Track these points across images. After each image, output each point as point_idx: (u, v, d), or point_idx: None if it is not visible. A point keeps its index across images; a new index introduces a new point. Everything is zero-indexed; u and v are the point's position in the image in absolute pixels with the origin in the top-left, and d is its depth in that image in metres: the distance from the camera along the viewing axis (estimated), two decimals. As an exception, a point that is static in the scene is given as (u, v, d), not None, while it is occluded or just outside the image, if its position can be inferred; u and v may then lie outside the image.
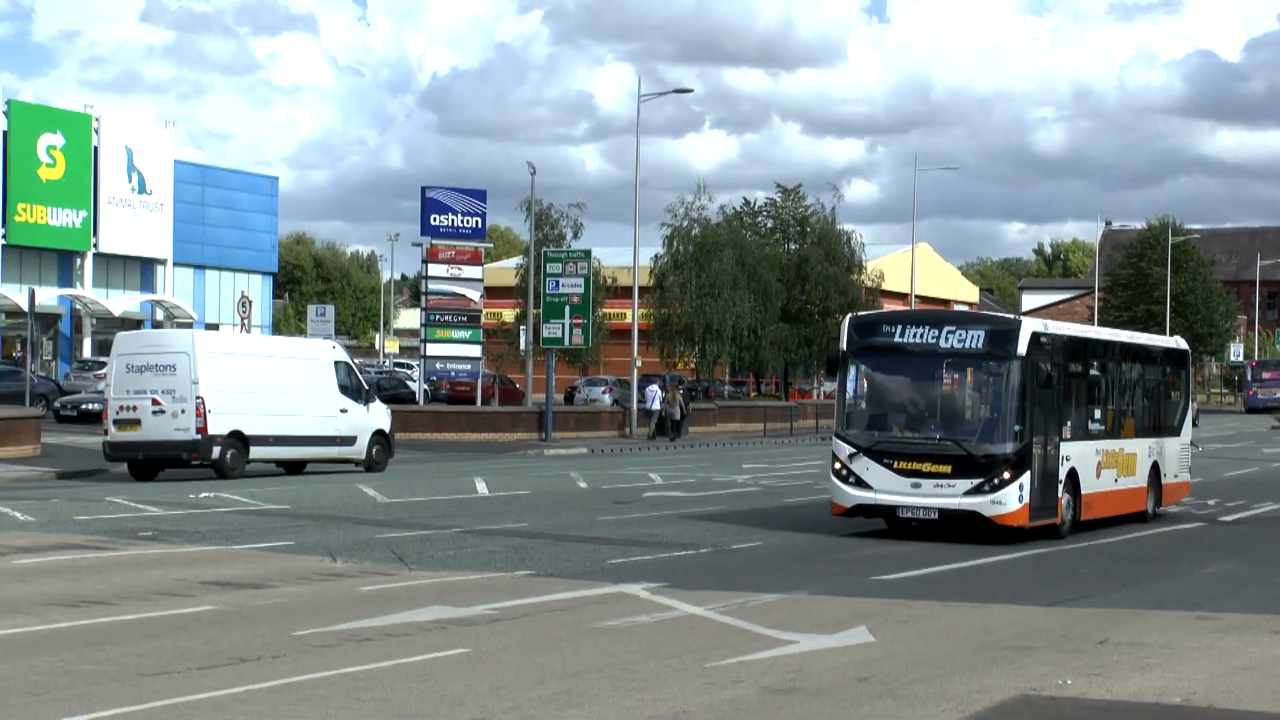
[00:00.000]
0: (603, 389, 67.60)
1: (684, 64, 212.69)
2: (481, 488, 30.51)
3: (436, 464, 39.10)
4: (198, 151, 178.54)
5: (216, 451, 32.12)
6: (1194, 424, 30.76)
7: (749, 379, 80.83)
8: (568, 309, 52.92)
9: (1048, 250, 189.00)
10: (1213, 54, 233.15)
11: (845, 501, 22.22)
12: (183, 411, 31.77)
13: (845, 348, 22.45)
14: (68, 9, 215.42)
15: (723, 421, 61.99)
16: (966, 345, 21.66)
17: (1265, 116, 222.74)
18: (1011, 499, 21.27)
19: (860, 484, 21.93)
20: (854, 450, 22.01)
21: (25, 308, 51.05)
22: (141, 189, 73.77)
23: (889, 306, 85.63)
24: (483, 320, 56.85)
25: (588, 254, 55.17)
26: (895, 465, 21.73)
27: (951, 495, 21.43)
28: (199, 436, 31.78)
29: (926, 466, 21.57)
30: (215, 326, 79.90)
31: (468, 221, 54.75)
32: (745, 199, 79.99)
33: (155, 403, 31.99)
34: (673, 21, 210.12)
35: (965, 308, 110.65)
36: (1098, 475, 23.90)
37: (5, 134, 68.44)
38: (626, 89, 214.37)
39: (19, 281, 66.92)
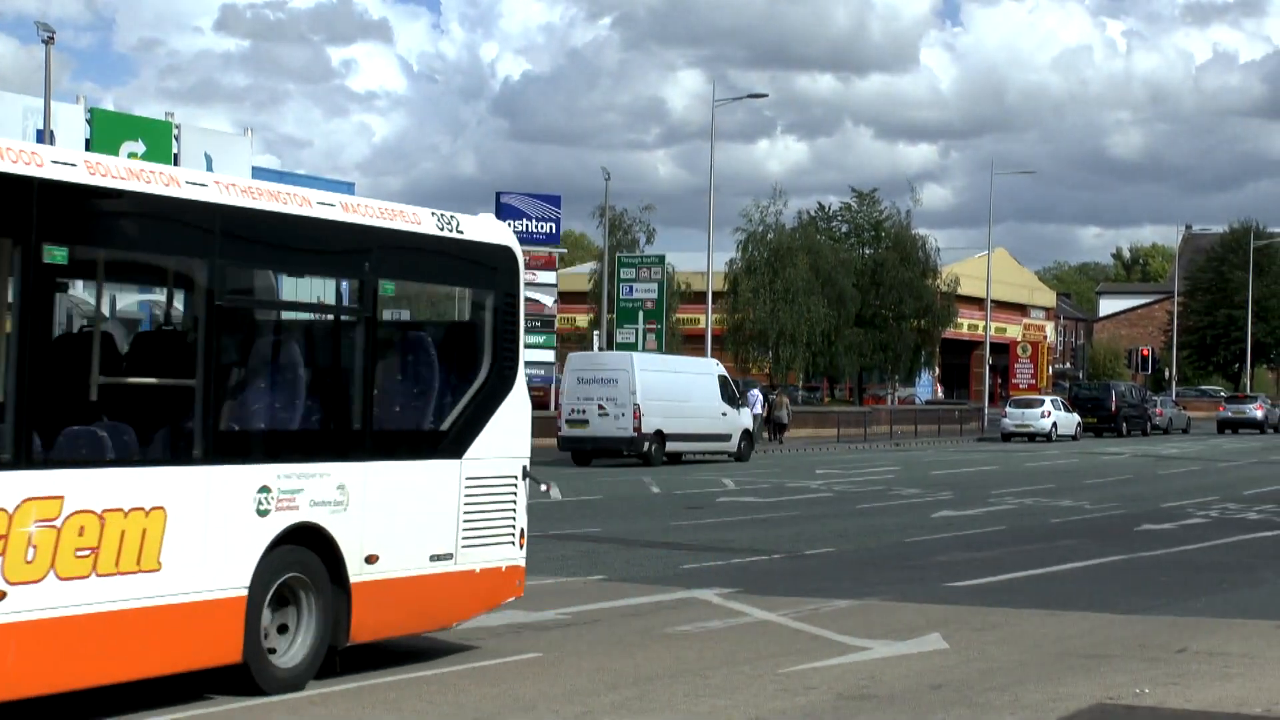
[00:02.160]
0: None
1: (755, 69, 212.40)
2: (554, 493, 30.56)
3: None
4: (274, 158, 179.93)
5: (646, 445, 41.16)
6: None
7: (823, 384, 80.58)
8: (641, 314, 53.00)
9: (1126, 255, 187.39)
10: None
11: None
12: (623, 415, 40.89)
13: None
14: (147, 19, 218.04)
15: (796, 427, 61.76)
16: None
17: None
18: None
19: None
20: None
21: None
22: (220, 196, 74.62)
23: (965, 312, 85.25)
24: (557, 325, 57.02)
25: (661, 259, 55.27)
26: None
27: None
28: (635, 434, 40.91)
29: None
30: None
31: (542, 227, 54.92)
32: (820, 203, 79.85)
33: (601, 408, 41.11)
34: (743, 27, 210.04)
35: (1042, 313, 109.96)
36: None
37: (88, 141, 69.30)
38: (697, 94, 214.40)
39: (100, 287, 67.85)
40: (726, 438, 44.48)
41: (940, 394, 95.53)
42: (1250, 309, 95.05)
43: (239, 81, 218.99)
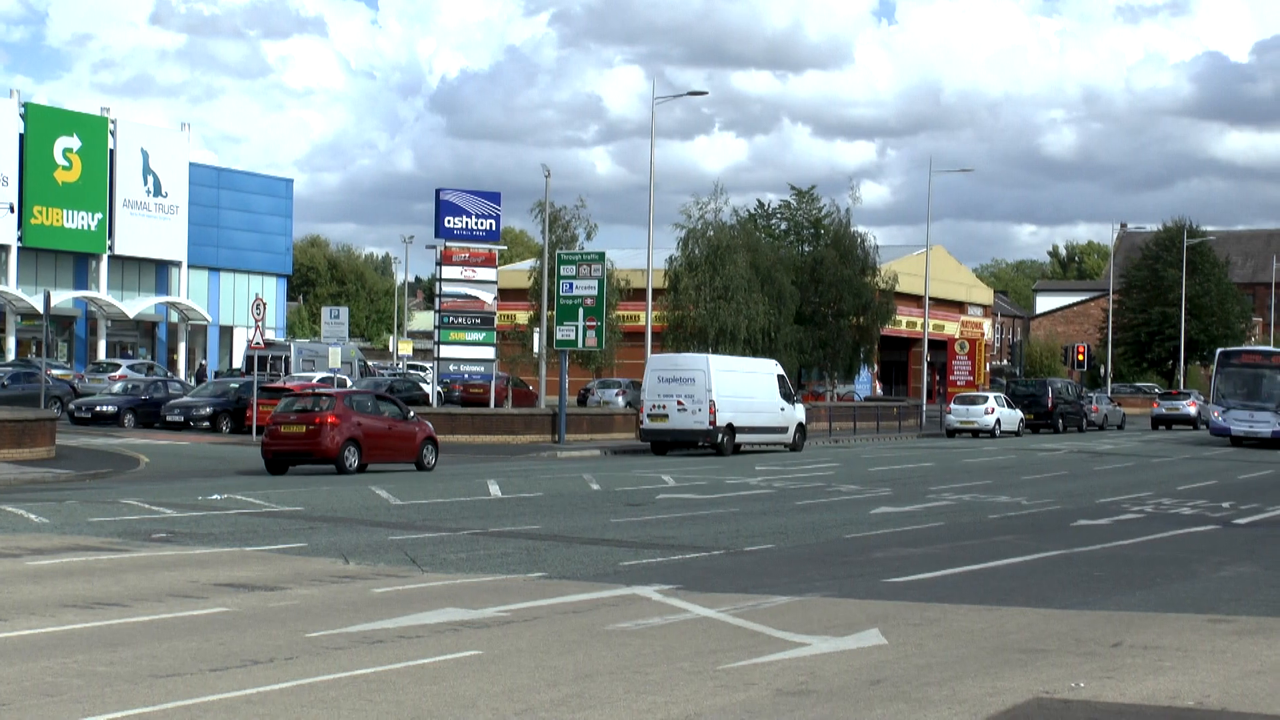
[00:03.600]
0: (616, 391, 67.61)
1: (692, 66, 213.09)
2: (494, 490, 30.54)
3: (449, 466, 39.11)
4: (212, 154, 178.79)
5: (719, 437, 46.44)
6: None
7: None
8: (581, 311, 52.93)
9: (1062, 253, 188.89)
10: (1221, 55, 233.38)
11: None
12: (700, 410, 46.23)
13: None
14: (81, 12, 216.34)
15: (736, 424, 61.92)
16: None
17: (1275, 118, 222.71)
18: None
19: None
20: None
21: (41, 310, 51.17)
22: (157, 192, 73.98)
23: (903, 309, 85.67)
24: (496, 322, 56.88)
25: (601, 256, 55.20)
26: None
27: None
28: (710, 427, 46.25)
29: None
30: (229, 329, 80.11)
31: (482, 224, 54.78)
32: (759, 201, 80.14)
33: (680, 404, 46.50)
34: (680, 24, 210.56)
35: (980, 310, 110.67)
36: None
37: (22, 137, 68.62)
38: (635, 92, 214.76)
39: (35, 284, 67.12)
40: (784, 430, 50.34)
41: (879, 391, 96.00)
42: (1184, 307, 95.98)
43: (175, 76, 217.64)
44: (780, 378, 50.58)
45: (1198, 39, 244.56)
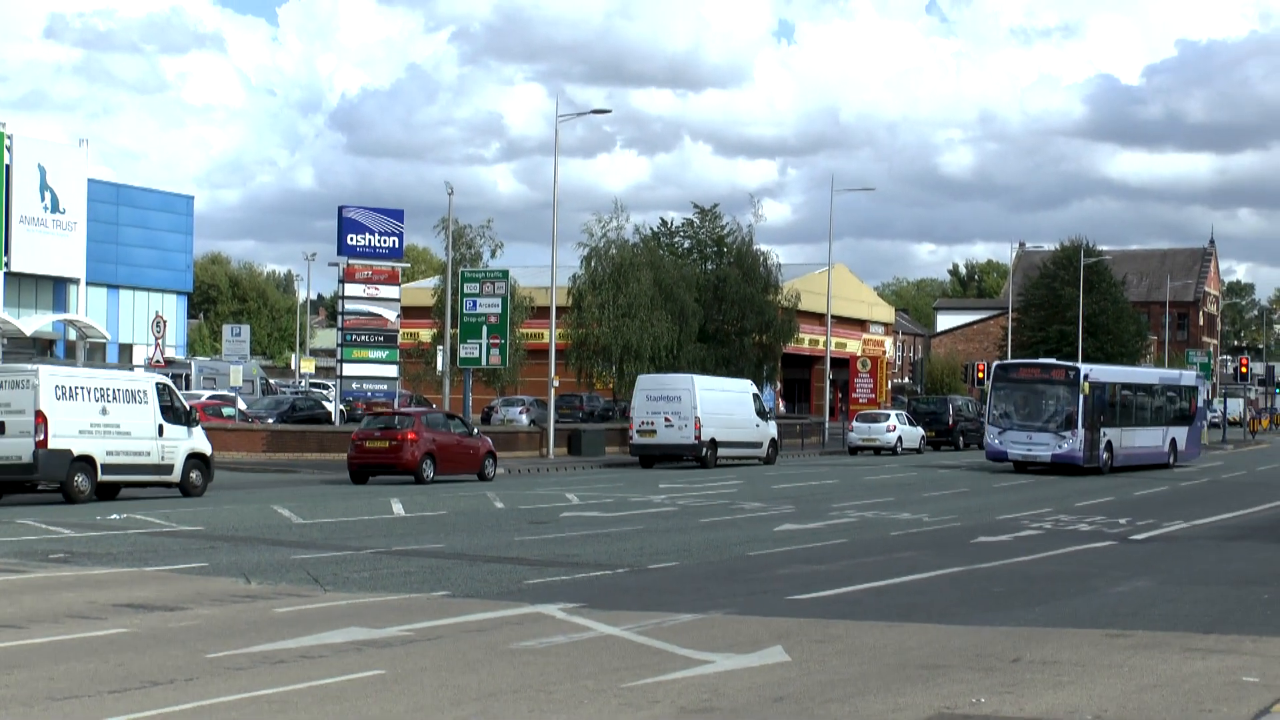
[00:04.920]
0: (520, 409, 67.47)
1: (592, 85, 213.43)
2: (398, 508, 30.38)
3: (352, 485, 38.89)
4: (110, 170, 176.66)
5: (704, 451, 50.43)
6: None
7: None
8: (485, 329, 52.85)
9: (962, 271, 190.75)
10: (1113, 78, 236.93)
11: None
12: (685, 426, 50.25)
13: None
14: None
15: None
16: None
17: (1164, 140, 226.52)
18: None
19: None
20: None
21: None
22: (55, 208, 72.99)
23: (806, 327, 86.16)
24: (399, 340, 56.64)
25: (505, 274, 55.13)
26: None
27: None
28: (695, 442, 50.33)
29: None
30: (129, 347, 79.18)
31: (385, 241, 54.55)
32: (662, 219, 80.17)
33: (667, 420, 50.40)
34: (580, 42, 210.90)
35: (881, 328, 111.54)
36: None
37: (-86, 151, 67.52)
38: (537, 109, 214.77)
39: (-73, 301, 66.00)
40: (759, 445, 54.30)
41: (782, 408, 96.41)
42: (1081, 324, 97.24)
43: (71, 92, 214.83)
44: (755, 396, 55.17)
45: (1090, 61, 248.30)
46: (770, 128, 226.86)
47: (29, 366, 32.81)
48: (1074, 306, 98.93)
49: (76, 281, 75.19)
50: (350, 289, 54.14)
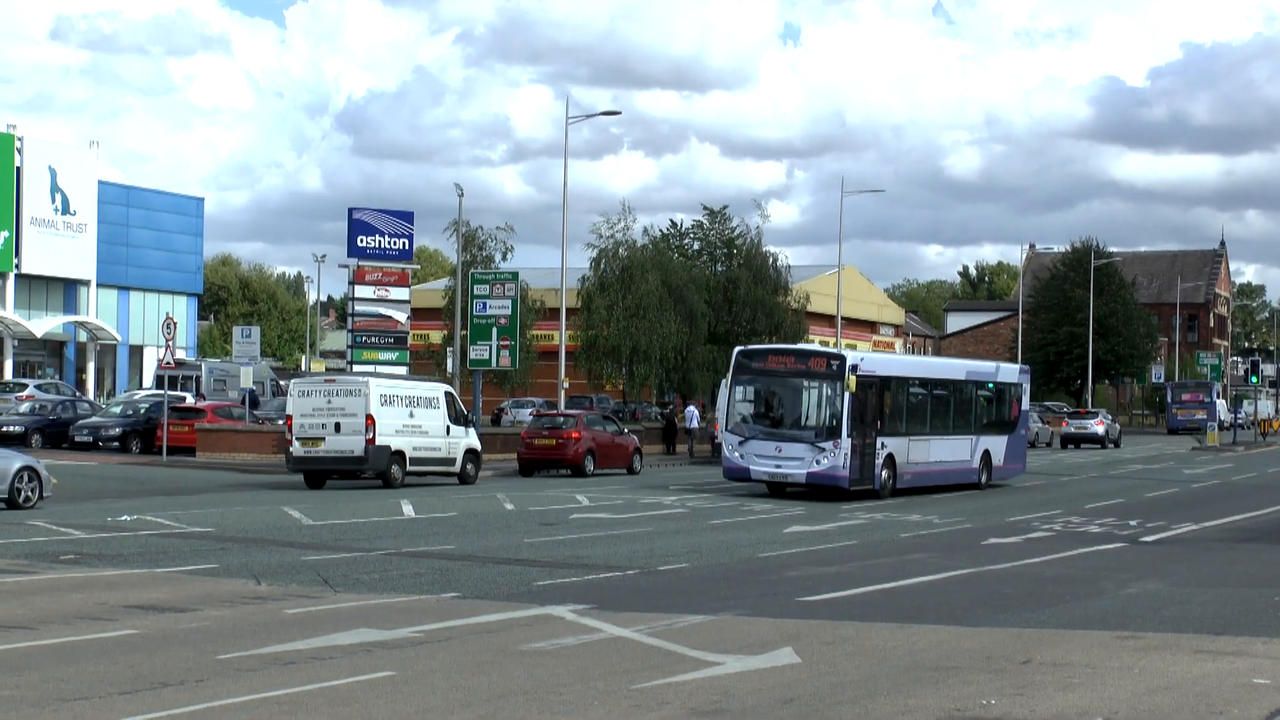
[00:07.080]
0: (530, 411, 67.47)
1: (598, 86, 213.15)
2: (408, 510, 30.40)
3: (362, 487, 38.92)
4: (120, 172, 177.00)
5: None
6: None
7: (676, 401, 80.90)
8: (495, 331, 52.84)
9: (972, 273, 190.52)
10: (1118, 79, 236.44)
11: None
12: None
13: None
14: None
15: (649, 443, 61.99)
16: None
17: (1170, 142, 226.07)
18: None
19: None
20: None
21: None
22: (65, 210, 73.08)
23: (815, 329, 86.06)
24: (409, 342, 56.66)
25: (515, 275, 55.13)
26: None
27: None
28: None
29: None
30: (139, 349, 79.29)
31: (395, 243, 54.60)
32: (672, 221, 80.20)
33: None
34: (584, 44, 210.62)
35: (891, 330, 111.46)
36: None
37: (-75, 153, 67.66)
38: (543, 111, 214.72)
39: (-62, 303, 66.14)
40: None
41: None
42: (1091, 326, 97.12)
43: (78, 94, 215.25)
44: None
45: (1095, 63, 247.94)
46: (776, 130, 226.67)
47: (360, 378, 39.55)
48: (1084, 308, 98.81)
49: (87, 283, 75.26)
50: (360, 291, 54.18)
